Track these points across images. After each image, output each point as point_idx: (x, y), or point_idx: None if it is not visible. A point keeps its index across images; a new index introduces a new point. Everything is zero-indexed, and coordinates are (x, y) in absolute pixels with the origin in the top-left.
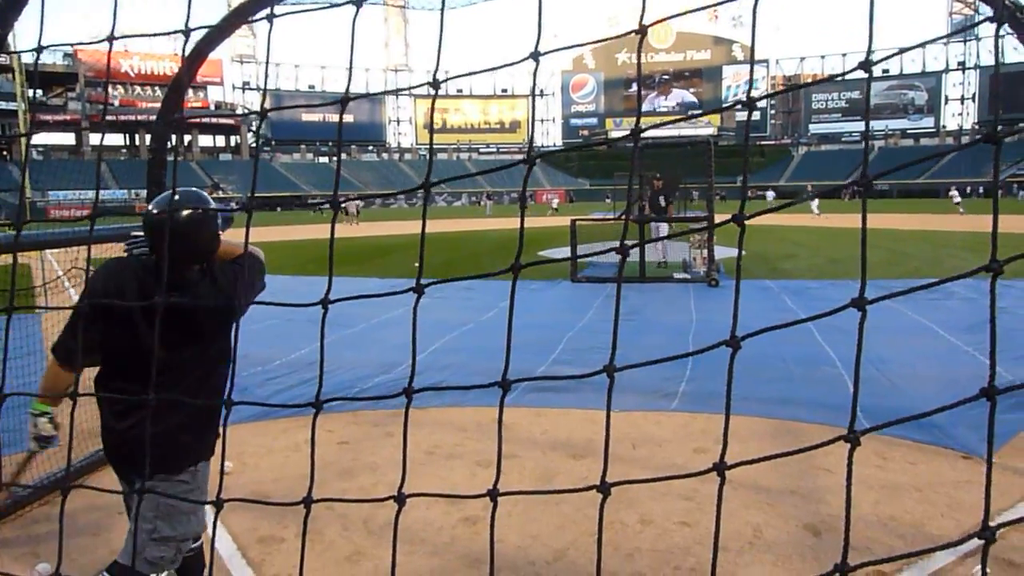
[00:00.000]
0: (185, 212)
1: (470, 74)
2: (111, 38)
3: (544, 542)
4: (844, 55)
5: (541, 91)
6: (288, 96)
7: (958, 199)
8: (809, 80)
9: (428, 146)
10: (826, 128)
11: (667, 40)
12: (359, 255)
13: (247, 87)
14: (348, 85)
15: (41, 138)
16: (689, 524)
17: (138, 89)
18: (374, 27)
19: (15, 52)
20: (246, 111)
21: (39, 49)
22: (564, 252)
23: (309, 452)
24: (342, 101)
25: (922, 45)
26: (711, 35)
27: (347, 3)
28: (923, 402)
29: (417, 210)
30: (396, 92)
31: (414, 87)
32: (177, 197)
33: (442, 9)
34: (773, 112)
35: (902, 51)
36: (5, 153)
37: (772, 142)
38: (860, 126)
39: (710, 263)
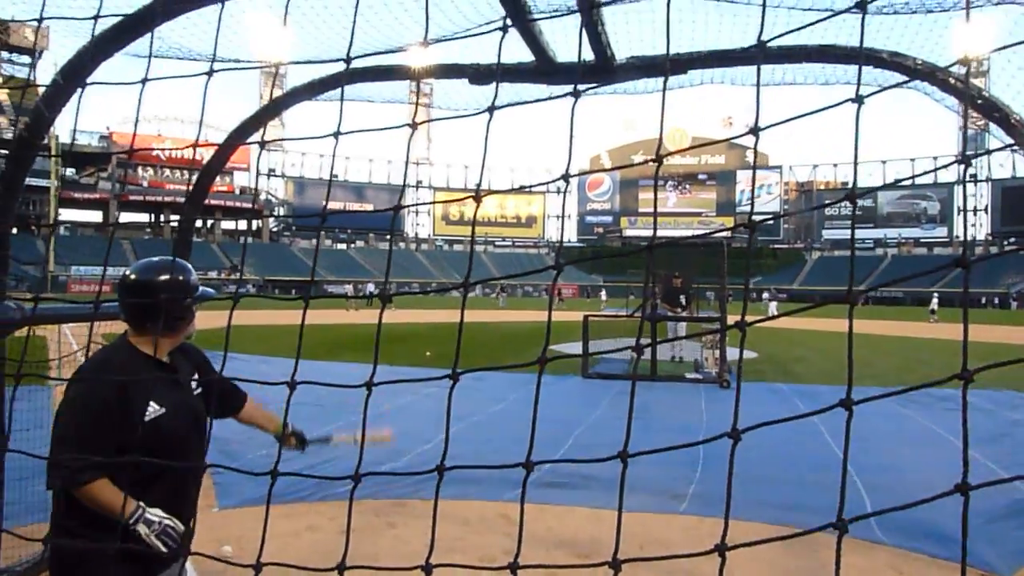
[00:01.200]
0: (162, 276)
1: (509, 191)
2: (195, 144)
3: None
4: (856, 164)
5: (558, 189)
6: (312, 184)
7: (934, 307)
8: (821, 186)
9: (445, 237)
10: (839, 234)
11: (682, 144)
12: (367, 342)
13: (272, 174)
14: (401, 195)
15: (69, 215)
16: None
17: (167, 172)
18: (399, 122)
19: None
20: (270, 198)
21: (131, 151)
22: (576, 347)
23: (308, 540)
24: (395, 208)
25: (909, 179)
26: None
27: (404, 126)
28: (938, 513)
29: (431, 299)
30: (446, 201)
31: (459, 198)
32: (156, 262)
33: (487, 130)
34: (786, 218)
35: (887, 186)
36: (33, 228)
37: (784, 246)
38: (873, 233)
39: (722, 364)
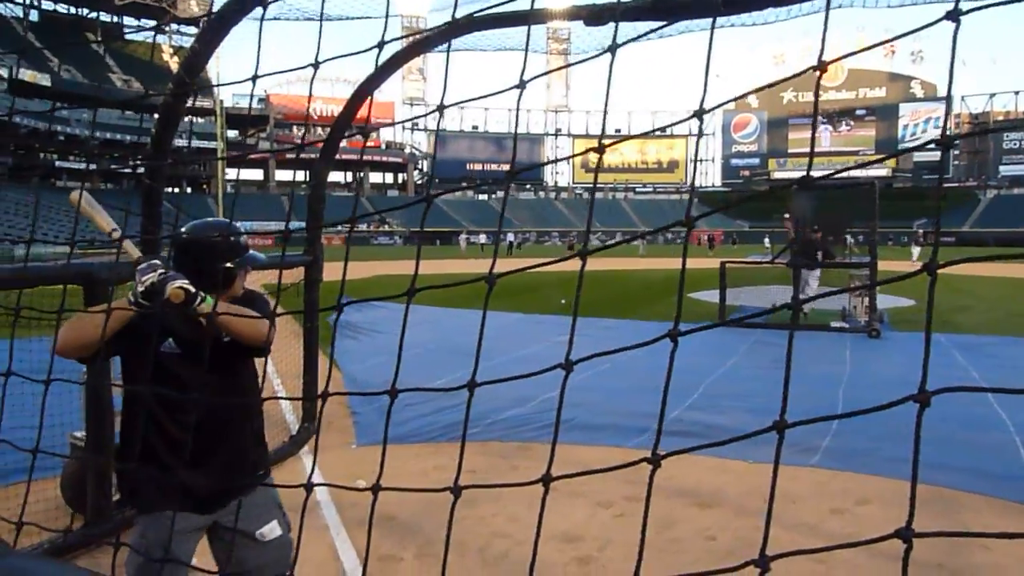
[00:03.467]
0: (215, 234)
1: (636, 136)
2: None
3: None
4: None
5: (700, 131)
6: (452, 137)
7: None
8: (1000, 116)
9: (585, 185)
10: (1020, 170)
11: (838, 77)
12: (505, 291)
13: (416, 128)
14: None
15: (233, 173)
16: None
17: (319, 130)
18: (536, 70)
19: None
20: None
21: (247, 95)
22: (714, 295)
23: (435, 478)
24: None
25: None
26: (886, 71)
27: (526, 19)
28: None
29: (564, 248)
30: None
31: (580, 152)
32: (209, 223)
33: (610, 72)
34: (957, 152)
35: None
36: (204, 187)
37: (955, 184)
38: None
39: (871, 313)
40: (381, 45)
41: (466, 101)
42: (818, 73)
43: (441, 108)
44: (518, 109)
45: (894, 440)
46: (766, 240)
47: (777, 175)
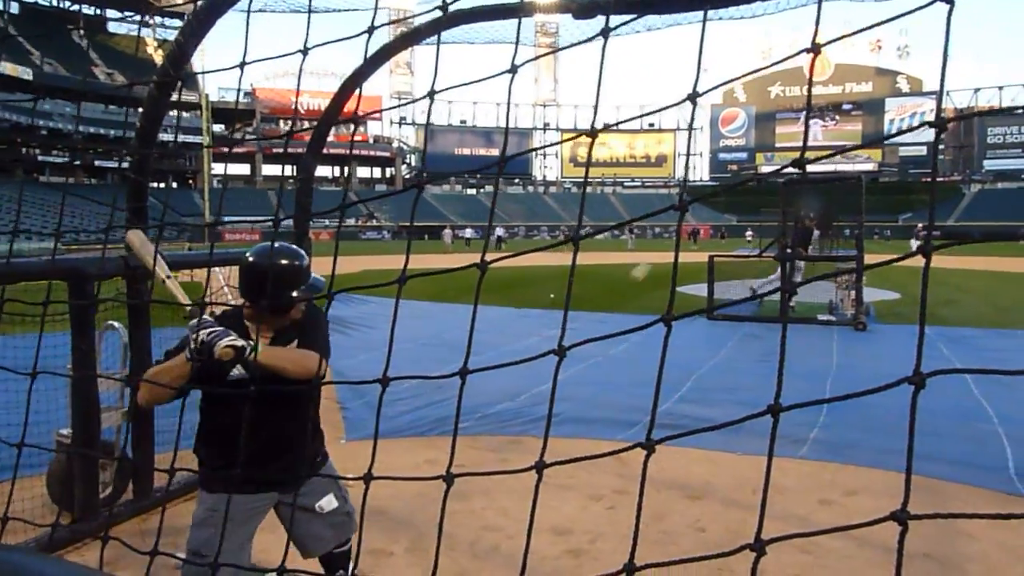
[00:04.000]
0: (283, 261)
1: (623, 123)
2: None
3: None
4: None
5: (689, 125)
6: (440, 131)
7: None
8: (983, 111)
9: (573, 179)
10: (1004, 164)
11: (825, 72)
12: (495, 285)
13: (403, 122)
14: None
15: (220, 168)
16: None
17: (306, 124)
18: (524, 64)
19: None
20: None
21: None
22: (702, 289)
23: (426, 471)
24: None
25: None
26: (873, 66)
27: (516, 12)
28: None
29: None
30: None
31: (571, 137)
32: (277, 247)
33: (602, 57)
34: (942, 147)
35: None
36: (190, 182)
37: (940, 178)
38: None
39: (858, 306)
40: (371, 31)
41: (458, 86)
42: (811, 56)
43: (432, 94)
44: (510, 94)
45: (881, 432)
46: (748, 233)
47: (765, 169)
